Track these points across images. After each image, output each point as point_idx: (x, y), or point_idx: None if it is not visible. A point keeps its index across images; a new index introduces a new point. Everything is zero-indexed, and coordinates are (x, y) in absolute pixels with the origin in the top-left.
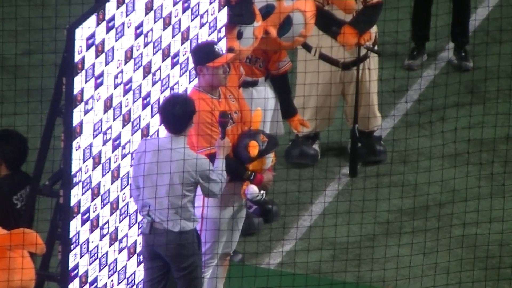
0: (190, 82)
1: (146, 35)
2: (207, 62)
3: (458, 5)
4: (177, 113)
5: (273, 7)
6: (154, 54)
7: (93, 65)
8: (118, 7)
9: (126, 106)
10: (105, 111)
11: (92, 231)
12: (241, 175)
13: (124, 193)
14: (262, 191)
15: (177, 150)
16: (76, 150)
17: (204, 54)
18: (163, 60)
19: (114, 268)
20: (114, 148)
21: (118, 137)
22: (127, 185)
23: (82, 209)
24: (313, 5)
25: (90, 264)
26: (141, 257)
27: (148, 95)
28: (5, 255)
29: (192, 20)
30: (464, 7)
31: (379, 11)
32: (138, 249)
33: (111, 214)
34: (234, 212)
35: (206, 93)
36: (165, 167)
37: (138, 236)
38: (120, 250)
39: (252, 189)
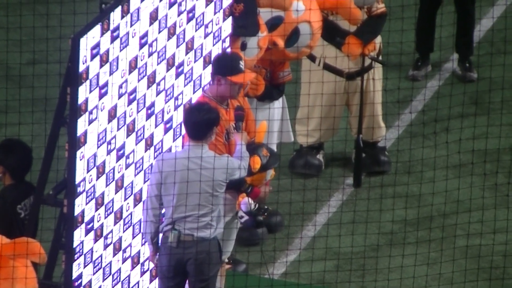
0: (194, 92)
1: (150, 45)
2: (229, 75)
3: (462, 17)
4: (201, 119)
5: (281, 19)
6: (158, 64)
7: (98, 75)
8: (122, 17)
9: (130, 116)
10: (109, 121)
11: (96, 240)
12: (239, 187)
13: (128, 203)
14: (256, 204)
15: (204, 157)
16: (80, 159)
17: (228, 66)
18: (168, 70)
19: (118, 277)
20: (118, 158)
21: (122, 146)
22: (131, 194)
23: (86, 219)
24: (320, 15)
25: (94, 273)
26: (153, 272)
27: (153, 105)
28: (8, 264)
29: (196, 30)
30: (469, 19)
31: (383, 21)
32: (142, 259)
33: (115, 223)
34: (228, 222)
35: (214, 101)
36: (195, 176)
37: (142, 246)
38: (124, 260)
39: (248, 203)
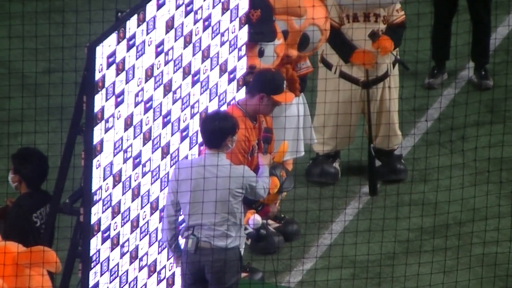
0: (210, 100)
1: (166, 53)
2: (273, 94)
3: (477, 25)
4: (214, 128)
5: (286, 32)
6: (174, 72)
7: (114, 83)
8: (138, 25)
9: (146, 124)
10: (126, 129)
11: (112, 249)
12: (251, 204)
13: (145, 211)
14: (263, 221)
15: (219, 166)
16: (97, 168)
17: (275, 85)
18: (184, 78)
19: (135, 286)
20: (135, 166)
21: (139, 155)
22: (148, 203)
23: (103, 227)
24: (322, 10)
25: (110, 282)
26: (169, 281)
27: (169, 113)
28: (24, 273)
29: (212, 38)
30: (484, 27)
31: (403, 30)
32: (159, 268)
33: (132, 232)
34: None
35: (245, 113)
36: (210, 184)
37: (158, 254)
38: (141, 268)
39: (257, 220)
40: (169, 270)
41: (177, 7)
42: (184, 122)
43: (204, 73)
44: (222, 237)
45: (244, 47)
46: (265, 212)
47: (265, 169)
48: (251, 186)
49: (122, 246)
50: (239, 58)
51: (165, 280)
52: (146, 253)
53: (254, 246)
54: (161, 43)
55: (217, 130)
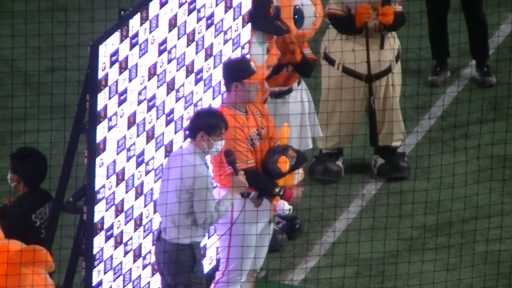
0: (213, 98)
1: (169, 52)
2: (244, 78)
3: (473, 22)
4: (192, 120)
5: (277, 7)
6: (177, 70)
7: (117, 81)
8: (141, 24)
9: (149, 123)
10: (129, 127)
11: (115, 247)
12: (272, 191)
13: (148, 210)
14: (290, 206)
15: (178, 160)
16: (100, 166)
17: (241, 70)
18: (187, 76)
19: (138, 284)
20: (138, 165)
21: (142, 153)
22: (151, 201)
23: (106, 226)
24: (321, 8)
25: (114, 280)
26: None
27: (172, 111)
28: (23, 272)
29: (215, 37)
30: (480, 23)
31: (401, 18)
32: None
33: (135, 230)
34: (262, 228)
35: (234, 110)
36: (170, 174)
37: None
38: (144, 267)
39: (283, 205)
40: None
41: (180, 5)
42: (187, 120)
43: (207, 71)
44: (163, 231)
45: (247, 45)
46: (288, 195)
47: (228, 195)
48: (201, 192)
49: (126, 244)
50: (242, 56)
51: None
52: (149, 252)
53: (291, 237)
54: (164, 41)
55: (192, 122)
